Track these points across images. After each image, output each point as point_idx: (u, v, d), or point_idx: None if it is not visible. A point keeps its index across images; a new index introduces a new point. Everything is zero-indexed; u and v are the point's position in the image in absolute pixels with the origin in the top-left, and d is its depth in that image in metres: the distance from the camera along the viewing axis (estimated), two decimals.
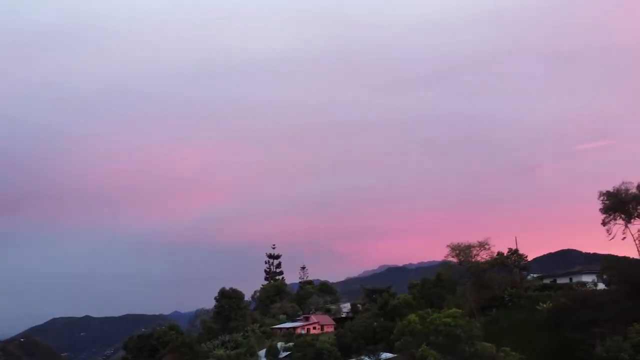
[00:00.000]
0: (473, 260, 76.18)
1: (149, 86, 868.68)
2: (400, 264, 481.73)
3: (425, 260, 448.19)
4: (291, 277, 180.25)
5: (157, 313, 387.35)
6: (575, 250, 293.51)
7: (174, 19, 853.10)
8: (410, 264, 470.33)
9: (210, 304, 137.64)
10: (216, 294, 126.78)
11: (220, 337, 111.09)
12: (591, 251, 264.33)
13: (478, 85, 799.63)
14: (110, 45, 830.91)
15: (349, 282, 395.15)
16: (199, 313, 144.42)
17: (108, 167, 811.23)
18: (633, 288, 56.07)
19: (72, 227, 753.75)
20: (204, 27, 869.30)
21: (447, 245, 77.05)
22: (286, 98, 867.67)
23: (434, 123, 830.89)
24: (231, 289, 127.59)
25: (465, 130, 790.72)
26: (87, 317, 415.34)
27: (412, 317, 55.26)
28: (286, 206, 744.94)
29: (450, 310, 53.33)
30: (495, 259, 76.23)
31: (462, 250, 75.83)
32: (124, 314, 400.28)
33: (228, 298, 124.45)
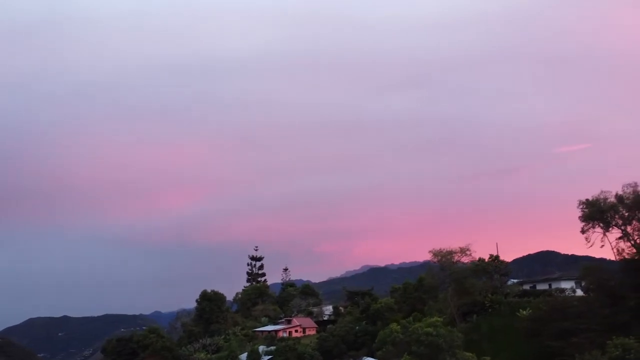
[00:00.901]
0: (455, 264, 76.67)
1: (131, 82, 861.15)
2: (382, 264, 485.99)
3: (407, 261, 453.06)
4: (273, 276, 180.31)
5: (137, 313, 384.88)
6: (554, 252, 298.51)
7: (157, 14, 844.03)
8: (392, 265, 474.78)
9: (191, 304, 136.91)
10: (198, 294, 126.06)
11: (201, 341, 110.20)
12: (570, 253, 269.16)
13: (462, 88, 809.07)
14: (91, 41, 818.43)
15: (331, 282, 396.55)
16: (179, 315, 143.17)
17: (87, 165, 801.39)
18: (610, 297, 56.97)
19: (49, 225, 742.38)
20: (188, 23, 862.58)
21: (429, 251, 77.59)
22: (272, 97, 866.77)
23: (419, 125, 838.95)
24: (213, 291, 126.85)
25: (450, 132, 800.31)
26: (65, 317, 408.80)
27: (394, 326, 55.35)
28: (269, 206, 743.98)
29: (431, 319, 53.51)
30: (477, 265, 76.87)
31: (444, 256, 76.29)
32: (103, 313, 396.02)
33: (209, 300, 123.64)
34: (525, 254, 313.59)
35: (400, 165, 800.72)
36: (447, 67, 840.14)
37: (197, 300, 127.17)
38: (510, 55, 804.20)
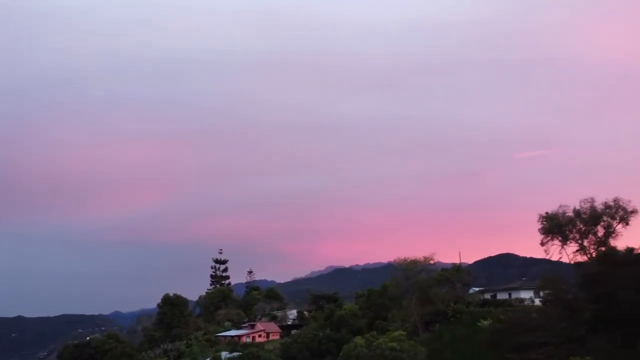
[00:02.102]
0: (419, 274, 77.60)
1: (95, 77, 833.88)
2: (347, 265, 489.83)
3: (372, 262, 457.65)
4: (238, 276, 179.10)
5: (96, 313, 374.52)
6: (513, 255, 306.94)
7: (124, 6, 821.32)
8: (357, 265, 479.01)
9: (153, 304, 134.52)
10: (159, 294, 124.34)
11: (162, 346, 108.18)
12: (528, 255, 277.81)
13: (429, 93, 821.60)
14: (55, 32, 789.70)
15: (296, 282, 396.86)
16: (140, 318, 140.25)
17: (45, 160, 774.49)
18: (567, 309, 58.56)
19: (3, 221, 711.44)
20: (155, 19, 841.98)
21: (393, 260, 78.38)
22: (236, 96, 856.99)
23: (382, 128, 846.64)
24: (175, 295, 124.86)
25: (413, 136, 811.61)
26: (19, 317, 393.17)
27: (359, 340, 55.51)
28: (234, 205, 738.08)
29: (395, 333, 53.90)
30: (440, 274, 78.18)
31: (408, 265, 77.12)
32: (60, 313, 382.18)
33: (171, 305, 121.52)
34: (486, 256, 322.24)
35: (366, 167, 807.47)
36: (414, 72, 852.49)
37: (158, 304, 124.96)
38: (475, 62, 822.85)
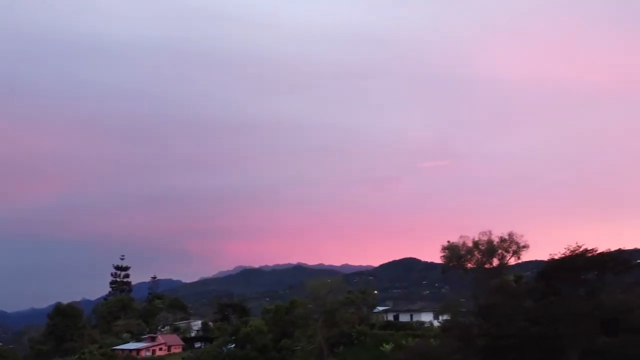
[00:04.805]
0: (327, 297, 78.23)
1: None
2: (255, 265, 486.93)
3: (281, 263, 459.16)
4: (140, 275, 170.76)
5: None
6: (415, 259, 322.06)
7: None
8: (266, 266, 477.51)
9: (43, 303, 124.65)
10: (52, 293, 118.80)
11: None
12: (429, 260, 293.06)
13: (342, 99, 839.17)
14: None
15: (203, 282, 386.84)
16: (26, 330, 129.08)
17: None
18: (463, 338, 61.64)
19: None
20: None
21: (308, 283, 78.88)
22: (148, 89, 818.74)
23: (296, 130, 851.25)
24: (69, 305, 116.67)
25: (326, 140, 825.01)
26: None
27: None
28: (139, 202, 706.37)
29: None
30: (347, 297, 79.49)
31: (316, 289, 77.48)
32: None
33: (63, 316, 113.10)
34: (391, 259, 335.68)
35: (278, 167, 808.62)
36: (331, 77, 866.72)
37: (48, 315, 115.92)
38: (389, 73, 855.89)
